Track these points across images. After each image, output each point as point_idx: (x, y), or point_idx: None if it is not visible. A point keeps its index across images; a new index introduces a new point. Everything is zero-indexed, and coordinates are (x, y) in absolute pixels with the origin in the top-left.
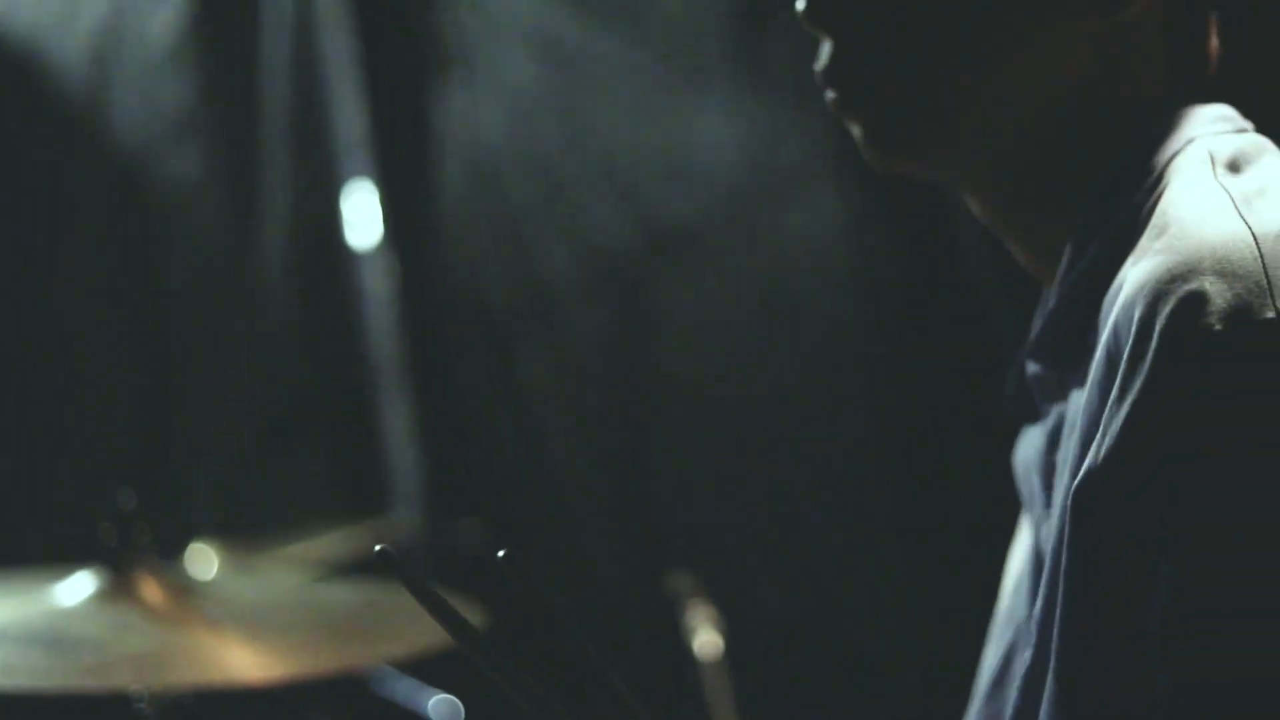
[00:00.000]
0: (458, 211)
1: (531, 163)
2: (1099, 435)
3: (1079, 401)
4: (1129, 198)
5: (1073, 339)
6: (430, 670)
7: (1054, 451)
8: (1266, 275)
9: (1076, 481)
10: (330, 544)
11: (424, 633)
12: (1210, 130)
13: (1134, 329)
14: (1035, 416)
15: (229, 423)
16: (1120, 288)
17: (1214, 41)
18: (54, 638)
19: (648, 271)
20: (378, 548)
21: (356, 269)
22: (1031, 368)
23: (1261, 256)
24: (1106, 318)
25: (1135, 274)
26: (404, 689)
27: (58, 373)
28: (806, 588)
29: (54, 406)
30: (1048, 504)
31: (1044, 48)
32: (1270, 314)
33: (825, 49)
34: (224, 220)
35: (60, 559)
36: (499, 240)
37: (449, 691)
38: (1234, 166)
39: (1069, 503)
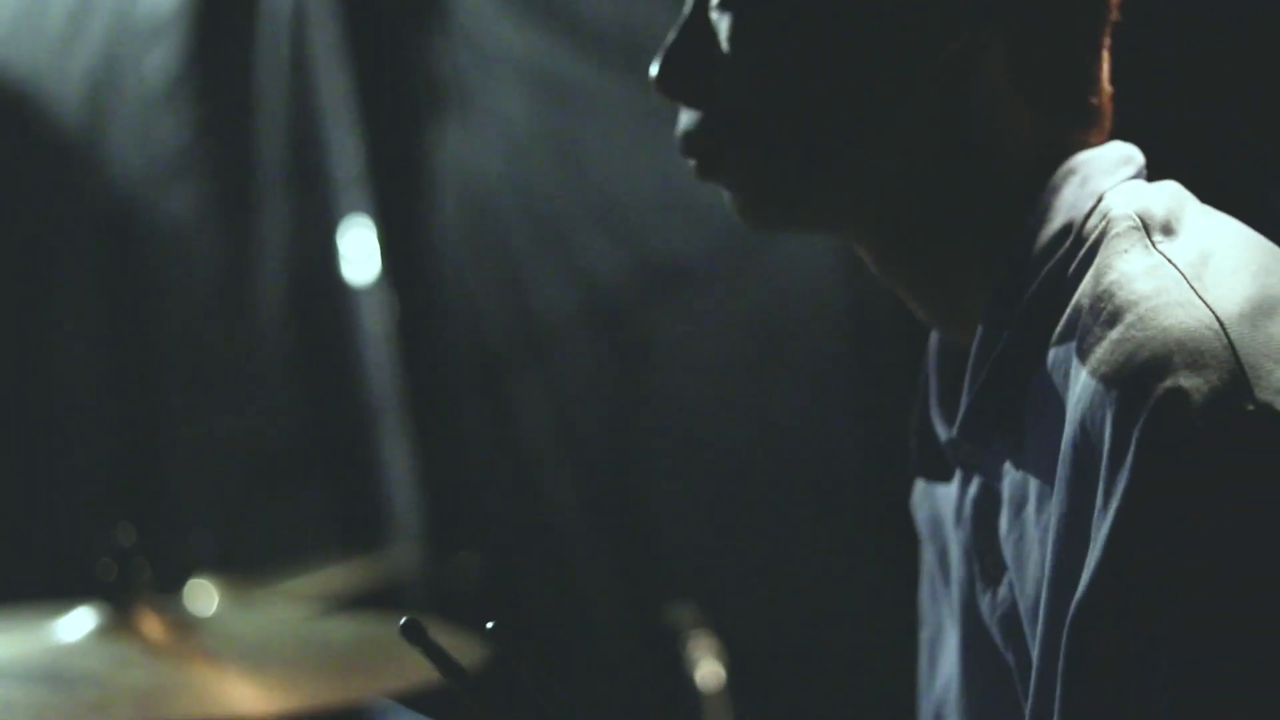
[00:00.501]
0: (455, 247)
1: (528, 198)
2: (1091, 550)
3: (1017, 476)
4: (1042, 264)
5: (998, 416)
6: (431, 704)
7: (984, 524)
8: (1240, 364)
9: (1076, 602)
10: (329, 579)
11: (424, 667)
12: (1118, 179)
13: (1109, 432)
14: (946, 475)
15: (227, 458)
16: (1065, 371)
17: (1095, 76)
18: (55, 674)
19: (644, 307)
20: (403, 621)
21: (354, 305)
22: (944, 433)
23: (1231, 343)
24: (1049, 400)
25: (1096, 366)
26: None
27: (55, 409)
28: (806, 619)
29: (52, 443)
30: (987, 579)
31: (890, 104)
32: (1250, 406)
33: (682, 116)
34: (220, 257)
35: (60, 595)
36: (496, 276)
37: None
38: (1168, 229)
39: (1071, 621)
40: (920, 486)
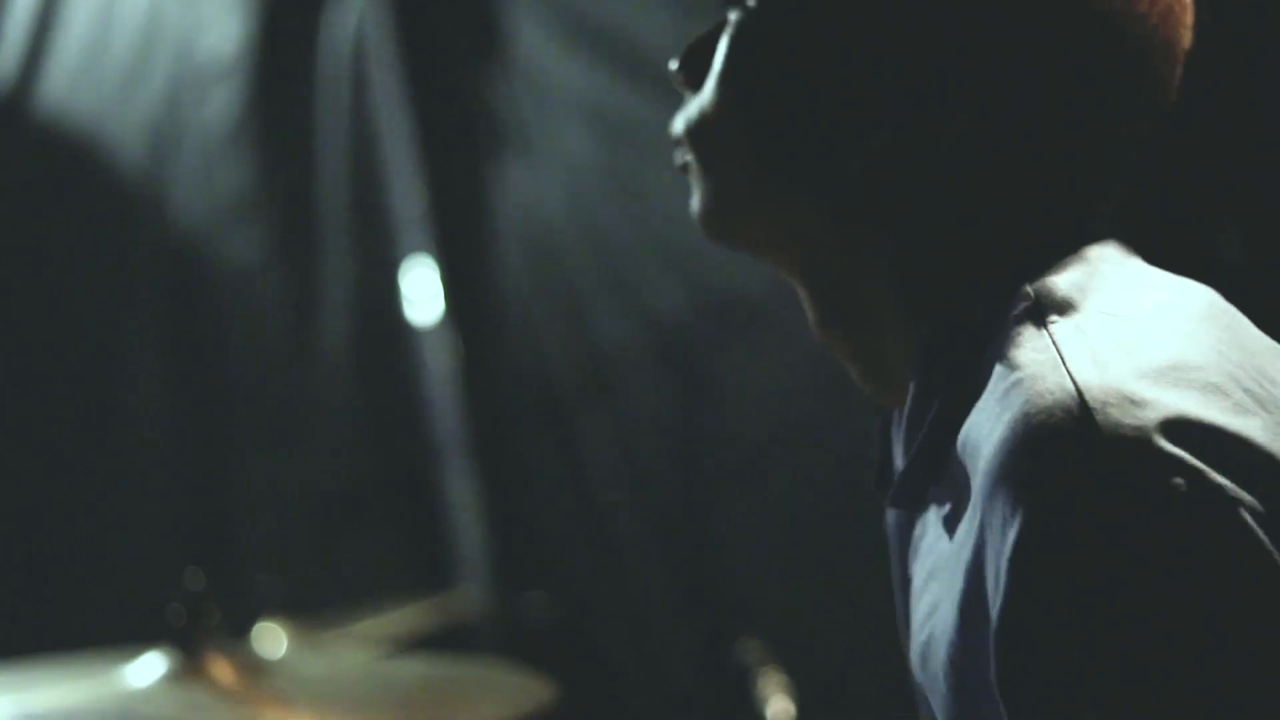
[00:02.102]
0: (518, 286)
1: (590, 236)
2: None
3: (935, 529)
4: (962, 344)
5: (926, 485)
6: None
7: (913, 556)
8: (1095, 433)
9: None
10: (398, 620)
11: (495, 706)
12: (1043, 254)
13: (983, 503)
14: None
15: (295, 501)
16: (967, 441)
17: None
18: (125, 719)
19: (708, 343)
20: None
21: (418, 346)
22: (900, 460)
23: (1088, 412)
24: (960, 466)
25: (985, 440)
26: None
27: (123, 455)
28: (877, 654)
29: (120, 489)
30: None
31: (840, 172)
32: (1095, 468)
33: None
34: (285, 300)
35: (130, 640)
36: (559, 314)
37: None
38: (1064, 307)
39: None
40: (889, 518)
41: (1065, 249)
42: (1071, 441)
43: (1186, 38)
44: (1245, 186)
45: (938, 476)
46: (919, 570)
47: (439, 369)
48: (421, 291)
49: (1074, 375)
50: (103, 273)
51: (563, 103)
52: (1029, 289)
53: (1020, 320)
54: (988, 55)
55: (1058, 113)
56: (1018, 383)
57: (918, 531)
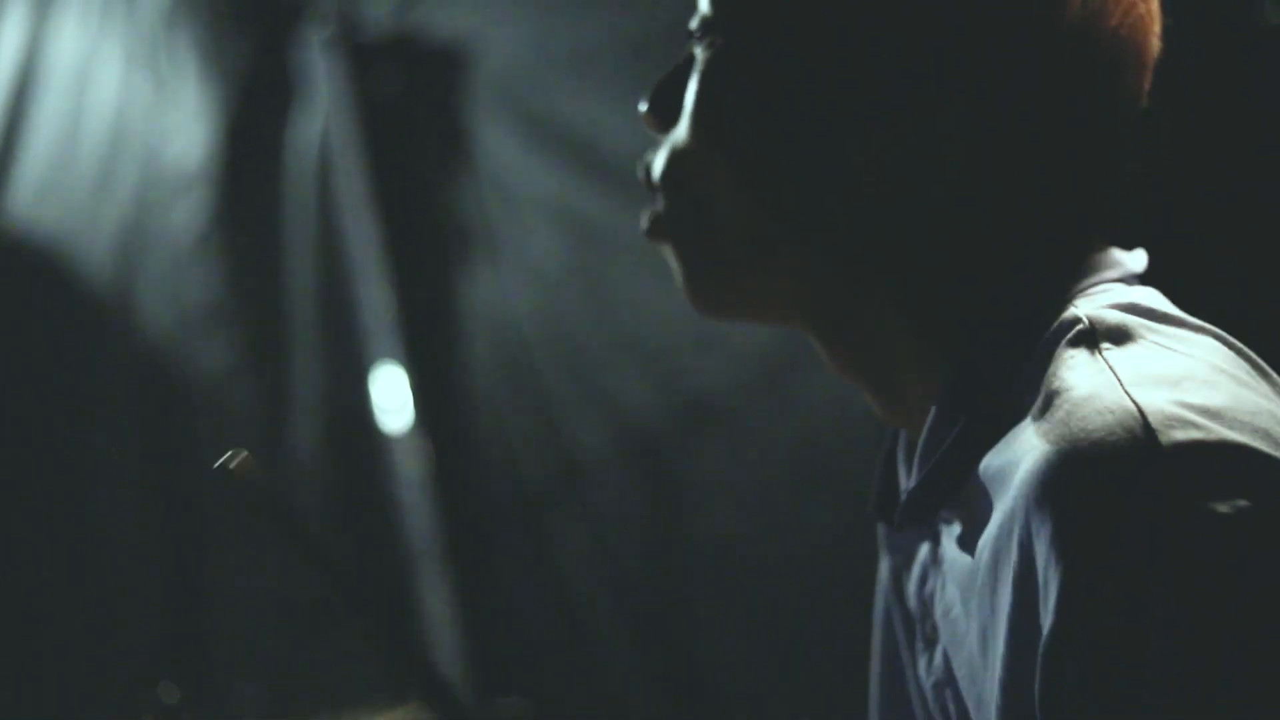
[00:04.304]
0: (487, 390)
1: (559, 337)
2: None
3: (956, 553)
4: (995, 364)
5: (940, 504)
6: None
7: (926, 587)
8: (1158, 452)
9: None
10: None
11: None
12: (1091, 286)
13: (1027, 522)
14: (898, 525)
15: (269, 610)
16: (1000, 464)
17: (1098, 173)
18: None
19: (679, 442)
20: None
21: (389, 452)
22: (905, 482)
23: (1153, 435)
24: (982, 490)
25: (1032, 466)
26: None
27: (92, 567)
28: None
29: (93, 600)
30: (926, 642)
31: (833, 204)
32: (1160, 489)
33: (655, 153)
34: (255, 408)
35: None
36: (530, 416)
37: None
38: (1118, 337)
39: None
40: (883, 532)
41: (1078, 261)
42: (1136, 459)
43: (1155, 46)
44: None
45: (951, 500)
46: (938, 600)
47: (411, 474)
48: (391, 398)
49: (1134, 397)
50: (73, 381)
51: (528, 205)
52: (1080, 315)
53: (1072, 345)
54: (962, 64)
55: (1041, 122)
56: (1073, 403)
57: (920, 559)
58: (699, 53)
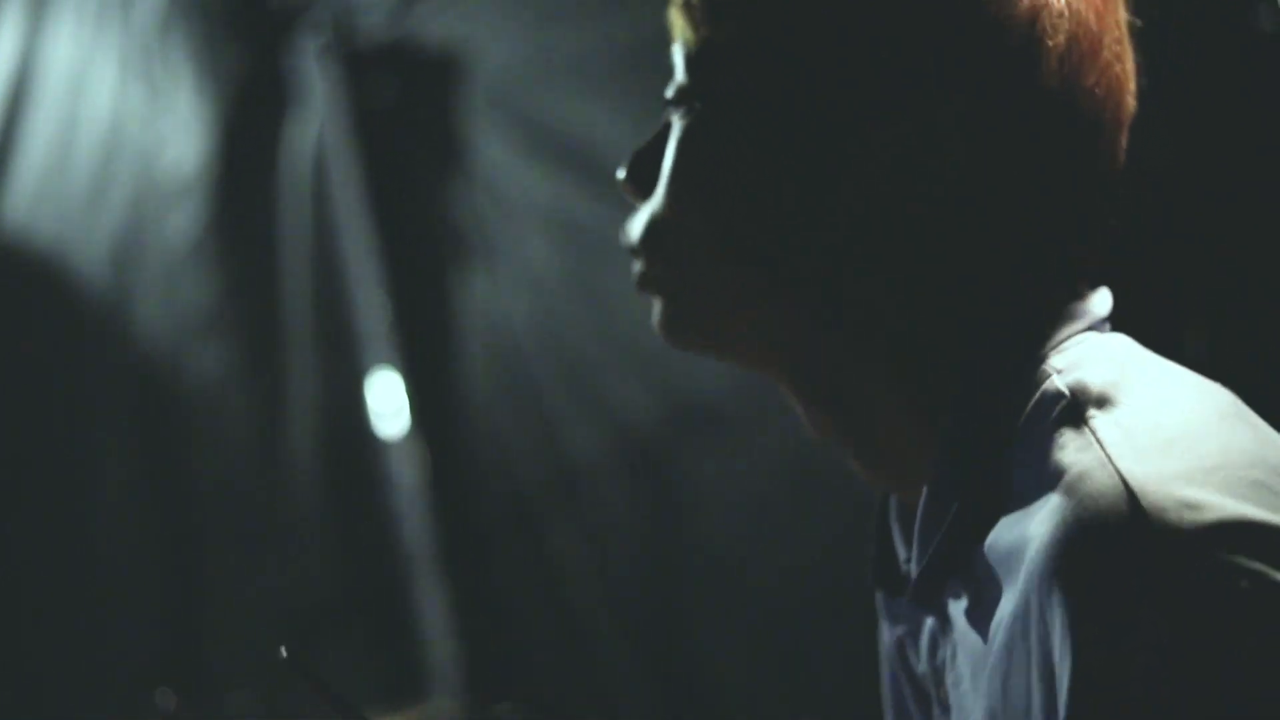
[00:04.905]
0: (483, 395)
1: (555, 343)
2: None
3: (964, 627)
4: (983, 437)
5: (946, 580)
6: None
7: (937, 656)
8: (1150, 528)
9: None
10: None
11: None
12: (1065, 337)
13: (1038, 608)
14: (902, 590)
15: (265, 616)
16: (1003, 544)
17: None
18: None
19: (676, 447)
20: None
21: (385, 458)
22: (902, 551)
23: (1144, 513)
24: (988, 567)
25: (1029, 544)
26: None
27: (89, 574)
28: None
29: (90, 607)
30: (944, 708)
31: (817, 271)
32: (1165, 562)
33: (634, 218)
34: (251, 415)
35: None
36: (526, 422)
37: None
38: (1102, 402)
39: None
40: (881, 599)
41: (1054, 309)
42: (1129, 547)
43: (1131, 106)
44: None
45: (954, 576)
46: (949, 669)
47: (407, 480)
48: (388, 404)
49: (1124, 475)
50: (69, 388)
51: (524, 211)
52: (1062, 388)
53: (1059, 422)
54: (963, 64)
55: (1041, 123)
56: (1065, 485)
57: (928, 628)
58: (676, 120)
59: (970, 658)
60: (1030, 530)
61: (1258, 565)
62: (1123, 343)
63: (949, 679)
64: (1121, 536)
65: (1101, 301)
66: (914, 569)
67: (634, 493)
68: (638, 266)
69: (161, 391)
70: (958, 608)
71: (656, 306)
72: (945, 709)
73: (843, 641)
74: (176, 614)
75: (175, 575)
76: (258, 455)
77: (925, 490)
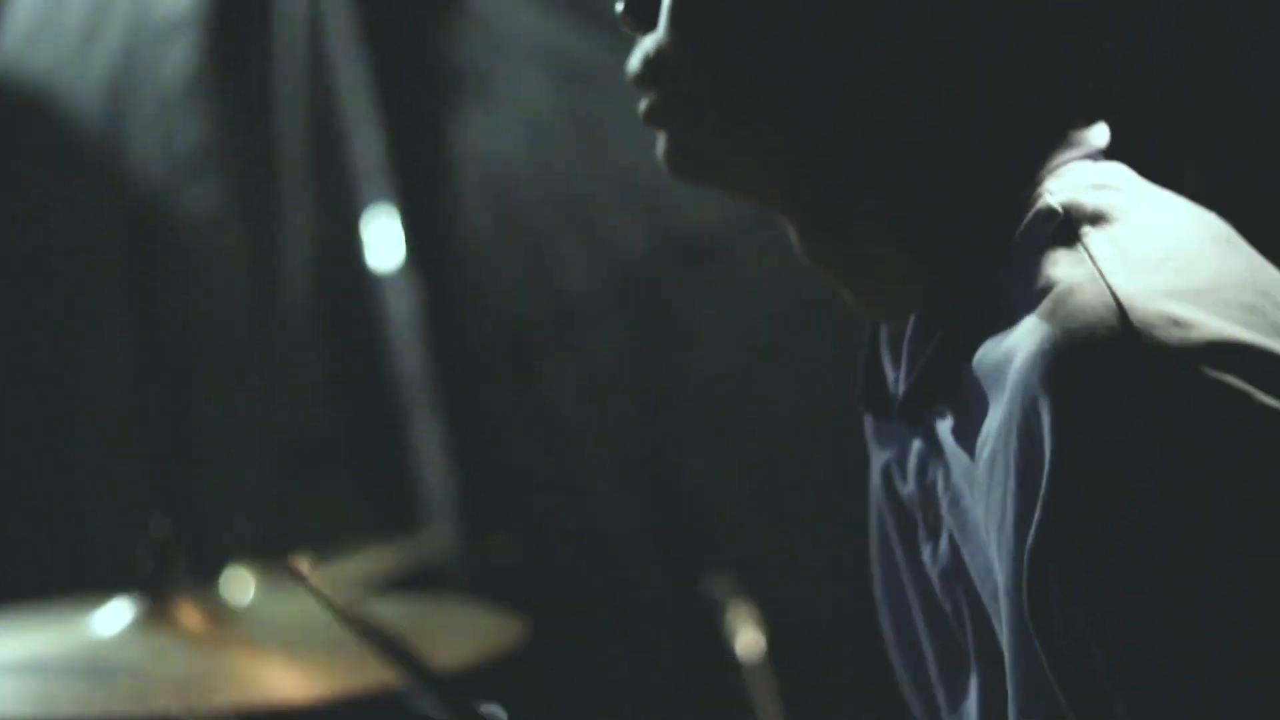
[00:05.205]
0: (478, 231)
1: (551, 179)
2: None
3: (953, 445)
4: (972, 259)
5: (933, 400)
6: (474, 682)
7: (925, 477)
8: (1138, 342)
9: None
10: (366, 564)
11: (464, 645)
12: (1058, 163)
13: (1021, 420)
14: (888, 415)
15: (260, 448)
16: (990, 360)
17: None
18: (93, 667)
19: (671, 282)
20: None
21: (380, 293)
22: (891, 373)
23: (1132, 327)
24: (975, 386)
25: (1017, 357)
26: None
27: (86, 405)
28: (846, 586)
29: (84, 438)
30: (929, 531)
31: (828, 93)
32: (1151, 375)
33: (637, 49)
34: (245, 250)
35: (96, 588)
36: (521, 258)
37: (493, 702)
38: (1096, 220)
39: (1027, 619)
40: (870, 426)
41: (1048, 143)
42: (1117, 363)
43: None
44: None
45: (943, 395)
46: (941, 490)
47: (402, 315)
48: (382, 239)
49: (1114, 290)
50: (62, 226)
51: (520, 48)
52: (1056, 206)
53: (1052, 239)
54: None
55: (1036, 46)
56: (1054, 298)
57: (916, 450)
58: None
59: (964, 476)
60: (1017, 343)
61: (1243, 385)
62: (1119, 169)
63: (943, 500)
64: (1108, 351)
65: (1099, 133)
66: (901, 389)
67: (629, 327)
68: (644, 100)
69: (155, 227)
70: (945, 427)
71: (661, 139)
72: (931, 533)
73: (837, 475)
74: (171, 447)
75: (170, 408)
76: (252, 290)
77: (915, 312)
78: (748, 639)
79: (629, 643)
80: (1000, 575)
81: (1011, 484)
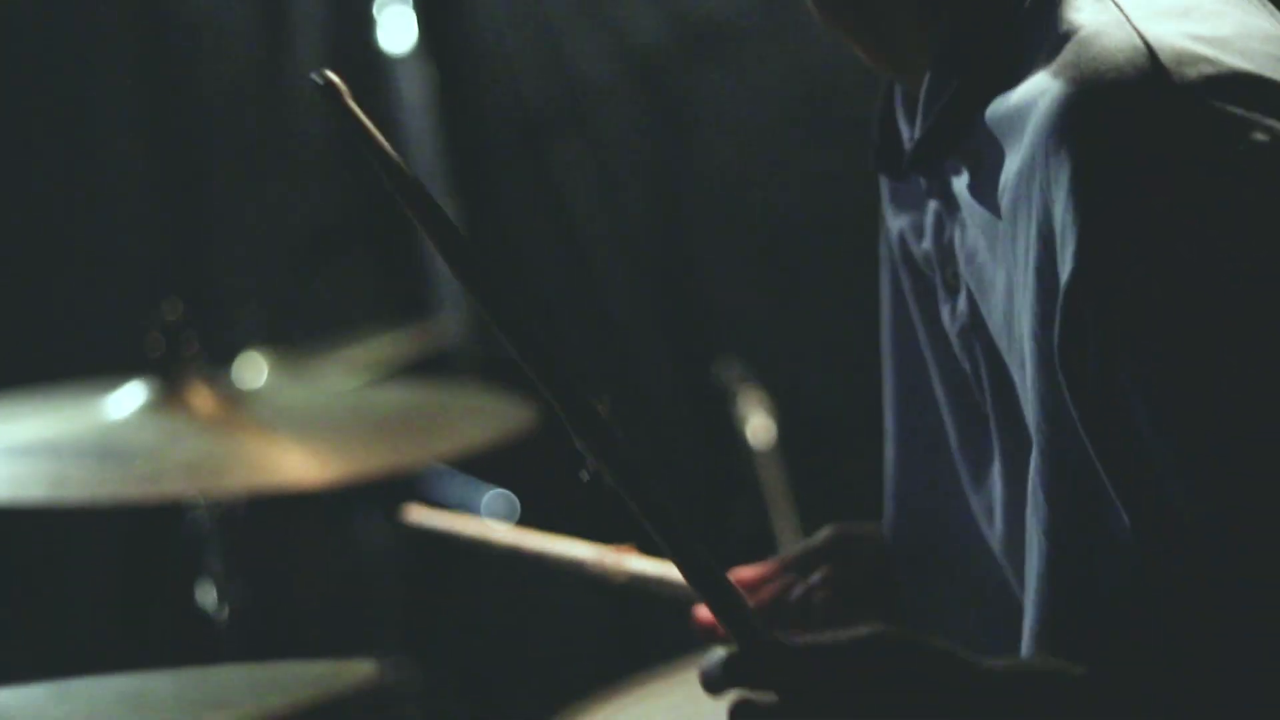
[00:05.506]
0: (492, 14)
1: None
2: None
3: (969, 198)
4: (994, 13)
5: (946, 152)
6: (484, 466)
7: (943, 236)
8: (1167, 89)
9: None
10: (378, 348)
11: (474, 430)
12: None
13: (1044, 163)
14: (902, 173)
15: (273, 233)
16: (1009, 108)
17: None
18: (107, 449)
19: (684, 67)
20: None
21: (393, 76)
22: (906, 132)
23: (1160, 66)
24: (990, 137)
25: (1039, 102)
26: (458, 486)
27: (98, 189)
28: (855, 371)
29: (98, 222)
30: (947, 290)
31: None
32: (1172, 126)
33: None
34: (258, 33)
35: (109, 371)
36: (534, 41)
37: (504, 487)
38: None
39: (1055, 364)
40: (887, 190)
41: None
42: (1143, 100)
43: None
44: None
45: (958, 147)
46: (959, 246)
47: (414, 99)
48: (396, 21)
49: (1142, 32)
50: (74, 11)
51: None
52: None
53: None
54: None
55: None
56: (1080, 41)
57: (932, 210)
58: None
59: (982, 229)
60: (1037, 89)
61: (1273, 122)
62: None
63: (961, 257)
64: (1136, 90)
65: None
66: (910, 144)
67: (641, 113)
68: None
69: (168, 9)
70: (960, 183)
71: None
72: (950, 292)
73: (848, 255)
74: (185, 229)
75: (184, 193)
76: (265, 73)
77: (933, 60)
78: (758, 425)
79: (639, 429)
80: (1025, 322)
81: (1032, 231)
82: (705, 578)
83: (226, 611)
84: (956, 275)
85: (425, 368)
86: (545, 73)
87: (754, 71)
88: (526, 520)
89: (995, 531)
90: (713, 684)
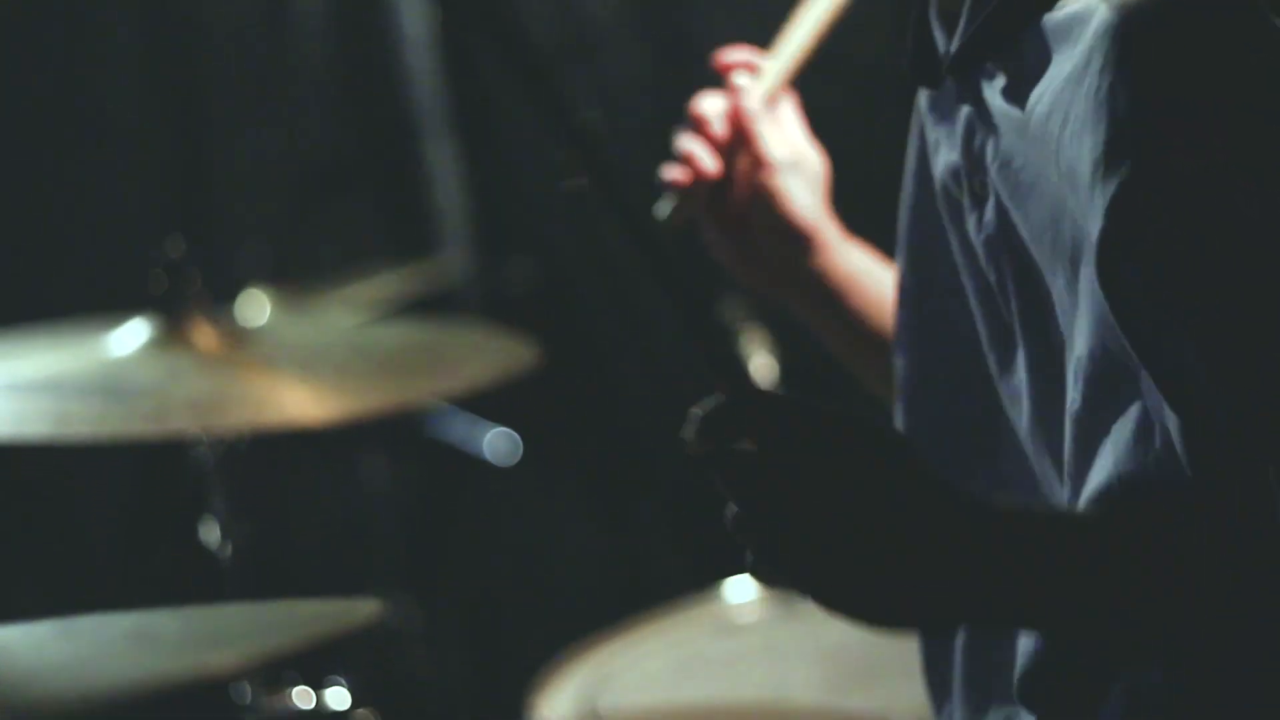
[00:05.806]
0: None
1: None
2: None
3: (1000, 104)
4: None
5: (990, 55)
6: (487, 405)
7: (973, 145)
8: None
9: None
10: (381, 285)
11: (477, 368)
12: None
13: (1097, 63)
14: (938, 82)
15: (276, 169)
16: (1070, 21)
17: None
18: (110, 386)
19: (688, 1)
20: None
21: (395, 12)
22: (942, 42)
23: None
24: (1041, 42)
25: (1103, 9)
26: (461, 425)
27: (101, 127)
28: None
29: (100, 158)
30: (974, 199)
31: None
32: (1232, 35)
33: None
34: None
35: (112, 308)
36: None
37: (506, 426)
38: None
39: (1099, 273)
40: (922, 103)
41: None
42: (1213, 5)
43: None
44: None
45: (997, 54)
46: (991, 154)
47: (418, 35)
48: None
49: None
50: None
51: None
52: None
53: None
54: None
55: None
56: None
57: (963, 117)
58: None
59: (1018, 133)
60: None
61: None
62: None
63: (992, 166)
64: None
65: None
66: (953, 50)
67: (647, 48)
68: None
69: None
70: (994, 89)
71: None
72: (977, 201)
73: (850, 194)
74: (188, 165)
75: (186, 130)
76: (268, 7)
77: None
78: (760, 363)
79: (642, 367)
80: (1073, 216)
81: (1087, 133)
82: (690, 306)
83: (229, 549)
84: (985, 184)
85: (428, 305)
86: (550, 7)
87: (759, 8)
88: (528, 459)
89: (1023, 416)
90: (703, 430)
